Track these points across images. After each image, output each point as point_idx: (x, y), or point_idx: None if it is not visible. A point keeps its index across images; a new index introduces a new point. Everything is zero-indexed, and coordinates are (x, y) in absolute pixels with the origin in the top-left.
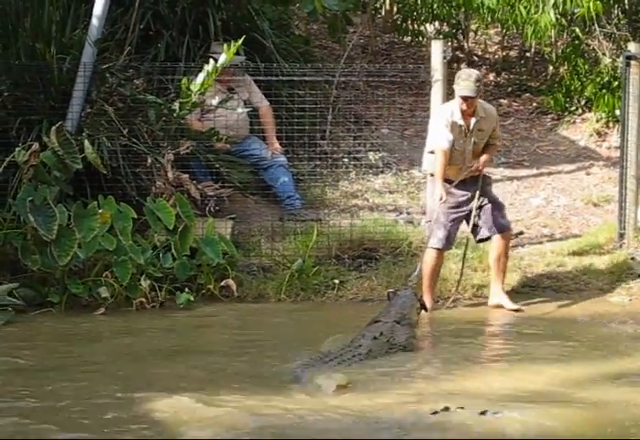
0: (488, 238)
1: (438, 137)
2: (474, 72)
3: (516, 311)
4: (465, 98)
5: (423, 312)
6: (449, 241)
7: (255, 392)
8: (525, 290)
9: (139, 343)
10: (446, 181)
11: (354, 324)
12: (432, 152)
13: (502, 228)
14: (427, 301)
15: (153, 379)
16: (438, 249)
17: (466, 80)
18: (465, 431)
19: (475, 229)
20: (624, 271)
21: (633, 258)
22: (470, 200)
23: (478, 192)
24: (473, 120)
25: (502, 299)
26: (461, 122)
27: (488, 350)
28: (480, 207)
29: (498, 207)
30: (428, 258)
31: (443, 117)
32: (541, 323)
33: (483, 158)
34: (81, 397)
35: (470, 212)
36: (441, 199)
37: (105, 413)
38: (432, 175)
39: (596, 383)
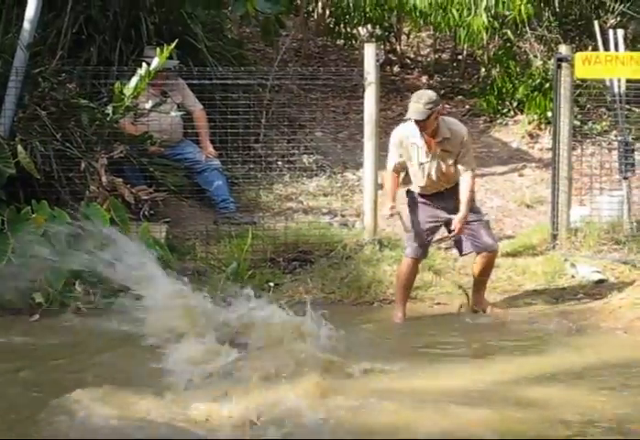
0: (472, 252)
1: (389, 159)
2: (425, 94)
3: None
4: (416, 121)
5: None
6: (425, 250)
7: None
8: (459, 291)
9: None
10: (423, 195)
11: None
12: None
13: (488, 247)
14: (399, 311)
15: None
16: (413, 259)
17: (415, 102)
18: None
19: (458, 243)
20: (557, 272)
21: (566, 259)
22: (448, 210)
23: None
24: (435, 141)
25: (485, 306)
26: (420, 143)
27: (413, 351)
28: (467, 222)
29: (483, 225)
30: (403, 267)
31: (396, 138)
32: (475, 323)
33: (460, 214)
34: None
35: (448, 220)
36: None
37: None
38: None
39: (528, 382)
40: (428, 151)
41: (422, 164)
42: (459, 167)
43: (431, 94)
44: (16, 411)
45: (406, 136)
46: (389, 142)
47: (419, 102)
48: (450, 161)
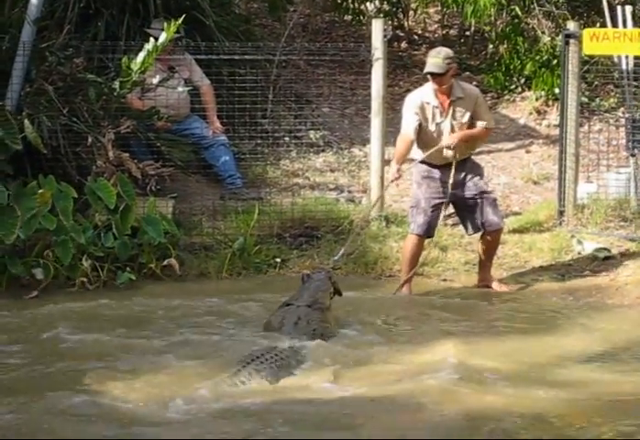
0: (478, 232)
1: (405, 122)
2: (444, 50)
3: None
4: (433, 76)
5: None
6: (430, 227)
7: None
8: (466, 267)
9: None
10: (428, 164)
11: None
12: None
13: (493, 225)
14: (405, 287)
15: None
16: (418, 235)
17: (433, 57)
18: None
19: (464, 221)
20: (564, 249)
21: (572, 236)
22: (454, 186)
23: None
24: (449, 100)
25: (492, 282)
26: (435, 103)
27: (425, 329)
28: (472, 199)
29: (490, 202)
30: (408, 243)
31: (412, 101)
32: (482, 299)
33: (457, 133)
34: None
35: (456, 198)
36: (393, 180)
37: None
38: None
39: (541, 360)
40: (442, 111)
41: (438, 124)
42: (478, 123)
43: (448, 50)
44: None
45: (421, 97)
46: (403, 109)
47: (437, 56)
48: (464, 120)
